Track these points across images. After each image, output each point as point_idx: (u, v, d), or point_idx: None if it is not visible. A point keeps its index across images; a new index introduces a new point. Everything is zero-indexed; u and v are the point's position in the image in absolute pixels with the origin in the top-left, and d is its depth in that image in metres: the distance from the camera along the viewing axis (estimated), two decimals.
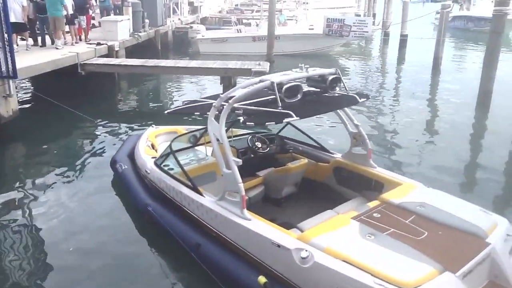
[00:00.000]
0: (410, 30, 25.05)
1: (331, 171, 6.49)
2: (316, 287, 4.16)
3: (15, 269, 5.61)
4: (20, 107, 11.34)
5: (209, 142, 6.38)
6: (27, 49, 13.62)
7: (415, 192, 5.28)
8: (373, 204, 5.08)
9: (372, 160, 6.13)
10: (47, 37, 15.26)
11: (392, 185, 5.62)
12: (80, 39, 16.68)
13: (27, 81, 15.64)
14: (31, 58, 12.46)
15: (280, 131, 7.29)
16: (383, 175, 5.93)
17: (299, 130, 7.08)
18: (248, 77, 12.71)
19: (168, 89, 17.04)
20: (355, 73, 20.10)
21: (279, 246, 4.42)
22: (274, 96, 4.86)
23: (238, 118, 4.92)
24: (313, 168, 6.67)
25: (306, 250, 4.21)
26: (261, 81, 4.88)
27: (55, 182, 8.06)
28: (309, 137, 7.17)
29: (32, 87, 15.18)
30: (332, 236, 4.36)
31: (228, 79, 13.35)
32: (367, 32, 22.77)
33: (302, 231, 5.04)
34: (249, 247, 4.84)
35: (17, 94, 11.13)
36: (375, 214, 4.79)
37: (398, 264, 3.92)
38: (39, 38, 15.15)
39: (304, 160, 6.48)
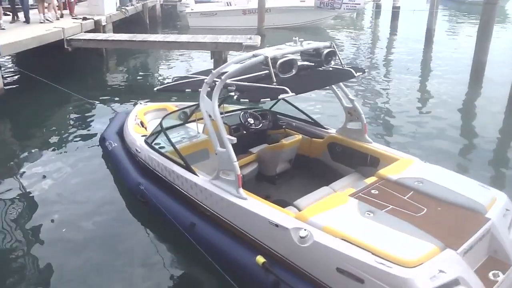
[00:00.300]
0: (402, 2, 24.73)
1: (326, 147, 6.37)
2: (316, 266, 4.08)
3: (5, 249, 5.53)
4: (6, 86, 11.07)
5: (200, 118, 6.25)
6: (2, 28, 13.00)
7: (412, 168, 5.18)
8: (370, 180, 4.98)
9: (367, 135, 6.01)
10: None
11: (388, 161, 5.53)
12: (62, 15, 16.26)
13: (12, 58, 15.26)
14: (15, 34, 12.13)
15: (272, 106, 7.12)
16: (379, 150, 5.82)
17: (292, 105, 6.92)
18: (239, 52, 12.53)
19: (158, 65, 16.74)
20: (347, 46, 19.86)
21: (277, 225, 4.32)
22: (267, 71, 4.69)
23: (230, 94, 4.77)
24: (307, 144, 6.56)
25: (305, 229, 4.11)
26: (254, 55, 4.69)
27: (44, 161, 7.90)
28: (303, 112, 7.02)
29: (17, 65, 14.80)
30: (330, 215, 4.26)
31: (218, 54, 13.13)
32: (359, 4, 22.51)
33: (298, 209, 4.96)
34: (246, 226, 4.73)
35: (1, 73, 10.82)
36: (372, 191, 4.69)
37: (399, 242, 3.84)
38: (21, 14, 14.66)
39: (298, 136, 6.35)
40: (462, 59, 15.43)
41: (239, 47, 12.69)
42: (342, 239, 3.93)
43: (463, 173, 5.38)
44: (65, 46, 13.51)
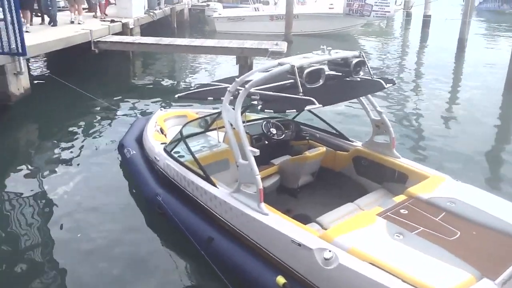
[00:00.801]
0: (435, 10, 24.21)
1: (351, 160, 6.11)
2: None
3: (21, 252, 5.47)
4: (34, 83, 11.10)
5: (222, 127, 6.07)
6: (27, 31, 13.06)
7: (443, 186, 4.89)
8: (399, 199, 4.71)
9: (395, 150, 5.72)
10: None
11: (417, 177, 5.24)
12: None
13: (42, 59, 15.42)
14: (43, 35, 12.22)
15: (295, 116, 6.90)
16: (408, 166, 5.54)
17: (316, 115, 6.67)
18: (265, 57, 12.35)
19: (183, 69, 16.69)
20: (375, 55, 19.48)
21: (300, 245, 4.08)
22: (293, 81, 4.49)
23: (253, 102, 4.59)
24: (331, 157, 6.30)
25: (330, 251, 3.88)
26: (280, 64, 4.48)
27: (63, 164, 7.82)
28: (327, 123, 6.77)
29: (46, 65, 14.94)
30: (357, 235, 4.01)
31: (244, 59, 13.00)
32: (389, 12, 22.07)
33: (321, 225, 4.79)
34: (266, 244, 4.50)
35: (30, 72, 10.90)
36: (402, 211, 4.43)
37: (431, 269, 3.57)
38: (46, 16, 14.78)
39: (322, 148, 6.11)
40: (495, 71, 14.88)
41: (265, 52, 12.56)
42: (370, 263, 3.68)
43: (498, 194, 5.01)
44: (92, 48, 13.59)
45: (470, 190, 4.91)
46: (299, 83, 4.31)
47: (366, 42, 22.72)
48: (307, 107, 4.21)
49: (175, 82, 14.58)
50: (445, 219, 4.28)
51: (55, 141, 8.93)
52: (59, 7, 16.08)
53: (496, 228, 4.12)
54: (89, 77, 12.60)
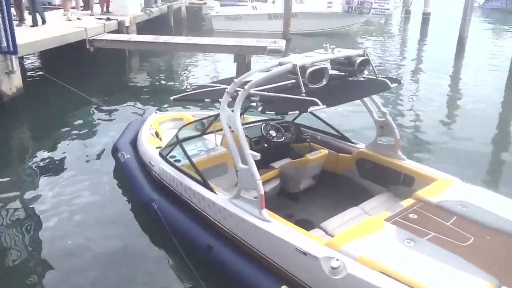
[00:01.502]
0: (436, 8, 23.98)
1: (354, 163, 5.91)
2: None
3: (10, 257, 5.25)
4: (27, 82, 10.86)
5: (219, 130, 5.86)
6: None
7: (453, 189, 4.70)
8: (407, 203, 4.51)
9: (400, 152, 5.52)
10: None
11: (424, 180, 5.06)
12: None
13: (36, 57, 15.17)
14: (36, 33, 12.00)
15: (295, 118, 6.68)
16: (414, 168, 5.34)
17: (317, 117, 6.41)
18: (263, 56, 12.13)
19: (180, 68, 16.41)
20: (375, 53, 19.22)
21: (305, 253, 3.88)
22: (294, 81, 4.29)
23: (251, 104, 4.38)
24: (333, 160, 6.10)
25: (337, 259, 3.67)
26: (280, 63, 4.25)
27: (55, 166, 7.59)
28: (328, 125, 6.54)
29: (40, 64, 14.69)
30: (365, 243, 3.81)
31: (242, 57, 12.79)
32: (388, 9, 21.86)
33: (325, 231, 4.61)
34: (269, 252, 4.29)
35: (25, 70, 10.66)
36: (411, 215, 4.24)
37: (447, 278, 3.37)
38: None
39: (324, 151, 5.90)
40: (497, 69, 14.68)
41: (263, 51, 12.36)
42: (381, 272, 3.48)
43: (508, 196, 4.79)
44: (87, 47, 13.38)
45: (481, 192, 4.74)
46: (302, 83, 4.09)
47: (365, 41, 22.50)
48: (311, 108, 3.99)
49: (172, 82, 14.31)
50: (457, 223, 4.10)
51: (48, 142, 8.70)
52: (55, 5, 15.82)
53: (510, 233, 3.94)
54: (84, 76, 12.36)
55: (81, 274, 5.00)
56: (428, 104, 11.73)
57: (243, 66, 12.52)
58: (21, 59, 10.94)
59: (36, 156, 8.08)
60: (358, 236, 3.91)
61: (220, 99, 4.60)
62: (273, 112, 4.20)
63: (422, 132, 9.67)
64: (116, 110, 10.58)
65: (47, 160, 7.88)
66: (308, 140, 6.39)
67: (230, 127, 4.52)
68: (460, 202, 4.38)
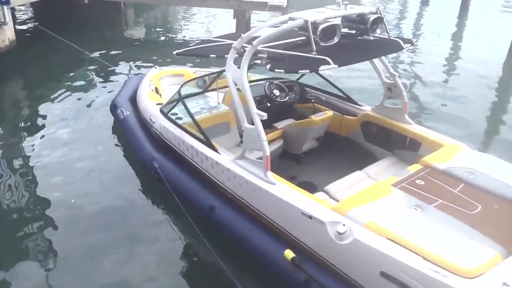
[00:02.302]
0: None
1: (359, 125, 5.80)
2: (355, 267, 3.59)
3: (12, 218, 5.20)
4: (20, 35, 10.49)
5: (222, 87, 5.68)
6: None
7: (460, 156, 4.61)
8: (414, 168, 4.43)
9: (407, 116, 5.40)
10: None
11: (431, 145, 4.97)
12: None
13: (29, 10, 14.66)
14: None
15: (300, 77, 6.50)
16: (421, 133, 5.23)
17: (322, 76, 6.23)
18: (264, 12, 11.80)
19: (178, 22, 15.88)
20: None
21: (311, 217, 3.79)
22: (304, 38, 4.11)
23: (256, 61, 4.21)
24: (337, 121, 5.98)
25: (344, 224, 3.60)
26: (291, 19, 4.05)
27: (52, 124, 7.43)
28: (334, 85, 6.39)
29: (33, 16, 14.20)
30: (373, 208, 3.73)
31: (242, 13, 12.42)
32: None
33: (329, 195, 4.54)
34: (273, 215, 4.21)
35: (13, 25, 10.28)
36: (418, 181, 4.16)
37: (454, 246, 3.33)
38: None
39: (330, 112, 5.77)
40: (499, 30, 14.40)
41: (264, 6, 11.94)
42: (388, 239, 3.42)
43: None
44: None
45: (488, 159, 4.66)
46: (313, 40, 3.91)
47: (365, 1, 21.98)
48: (322, 67, 3.82)
49: (169, 36, 13.89)
50: (464, 191, 4.04)
51: (43, 98, 8.47)
52: None
53: None
54: (78, 29, 11.99)
55: (81, 233, 4.96)
56: (430, 67, 11.56)
57: (242, 22, 12.18)
58: (13, 10, 10.53)
59: (31, 112, 7.91)
60: (365, 201, 3.85)
61: (226, 55, 4.41)
62: (283, 70, 4.02)
63: (427, 97, 9.51)
64: (112, 64, 10.28)
65: (42, 116, 7.71)
66: (312, 100, 6.23)
67: (236, 85, 4.35)
68: (468, 169, 4.30)
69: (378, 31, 4.61)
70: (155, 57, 10.81)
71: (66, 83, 9.17)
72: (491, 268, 3.15)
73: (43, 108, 8.02)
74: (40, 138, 6.97)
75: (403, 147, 5.32)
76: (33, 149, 6.65)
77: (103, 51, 10.97)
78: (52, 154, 6.49)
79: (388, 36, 4.68)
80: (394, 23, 17.55)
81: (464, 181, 4.16)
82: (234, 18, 12.60)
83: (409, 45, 4.70)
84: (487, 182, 4.13)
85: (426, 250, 3.27)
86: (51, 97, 8.48)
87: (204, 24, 15.42)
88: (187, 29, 14.78)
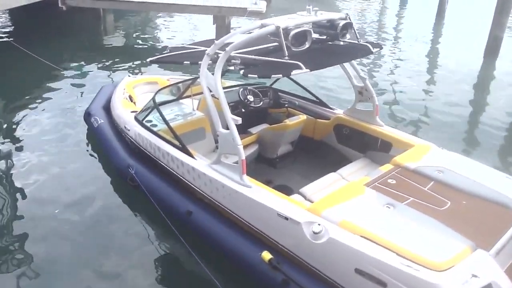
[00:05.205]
0: None
1: (332, 128, 5.93)
2: (331, 265, 3.68)
3: None
4: None
5: (196, 94, 5.74)
6: None
7: (430, 155, 4.79)
8: (385, 168, 4.58)
9: (378, 118, 5.55)
10: None
11: (401, 146, 5.13)
12: None
13: (4, 16, 14.40)
14: None
15: (273, 83, 6.59)
16: (392, 134, 5.40)
17: (295, 82, 6.38)
18: (244, 17, 11.86)
19: (158, 29, 15.76)
20: (353, 19, 18.97)
21: (287, 218, 3.87)
22: (277, 44, 4.23)
23: (229, 68, 4.30)
24: (311, 125, 6.10)
25: (319, 224, 3.69)
26: (263, 25, 4.15)
27: (26, 136, 7.27)
28: (307, 90, 6.52)
29: (9, 24, 13.94)
30: (347, 207, 3.85)
31: (221, 19, 12.49)
32: None
33: (305, 197, 4.63)
34: (250, 218, 4.28)
35: None
36: (389, 180, 4.31)
37: (426, 241, 3.46)
38: None
39: (303, 116, 5.89)
40: (476, 33, 14.75)
41: (243, 12, 12.02)
42: (362, 236, 3.53)
43: (480, 161, 4.93)
44: (60, 5, 12.63)
45: (456, 158, 4.84)
46: (285, 46, 4.02)
47: (343, 3, 22.22)
48: (294, 72, 3.94)
49: (148, 43, 13.74)
50: (434, 188, 4.20)
51: (15, 111, 8.26)
52: None
53: (485, 197, 4.07)
54: (55, 37, 11.83)
55: (57, 243, 4.90)
56: (406, 70, 11.79)
57: (222, 28, 12.26)
58: None
59: (4, 125, 7.71)
60: (339, 201, 3.95)
61: (199, 62, 4.47)
62: (256, 76, 4.10)
63: (400, 98, 9.74)
64: (88, 74, 10.17)
65: (15, 128, 7.55)
66: (286, 105, 6.35)
67: (210, 91, 4.42)
68: (437, 168, 4.47)
69: (347, 36, 4.75)
70: (134, 65, 10.74)
71: (39, 94, 9.01)
72: (460, 261, 3.28)
73: (15, 120, 7.88)
74: (12, 147, 6.88)
75: (375, 148, 5.46)
76: (5, 158, 6.55)
77: (79, 60, 10.81)
78: (24, 163, 6.40)
79: (358, 41, 4.83)
80: (371, 27, 17.91)
81: (434, 179, 4.32)
82: (213, 24, 12.65)
83: (378, 49, 4.88)
84: (455, 179, 4.30)
85: (398, 246, 3.39)
86: (24, 108, 8.32)
87: (184, 31, 15.39)
88: (166, 36, 14.69)
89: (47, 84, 9.55)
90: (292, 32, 4.11)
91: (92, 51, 12.23)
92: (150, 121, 5.63)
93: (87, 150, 6.82)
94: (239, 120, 4.21)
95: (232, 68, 4.30)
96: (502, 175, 4.52)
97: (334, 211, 3.80)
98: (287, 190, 4.81)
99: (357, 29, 4.92)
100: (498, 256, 3.44)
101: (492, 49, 12.23)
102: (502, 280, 3.29)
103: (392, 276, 3.27)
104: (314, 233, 3.67)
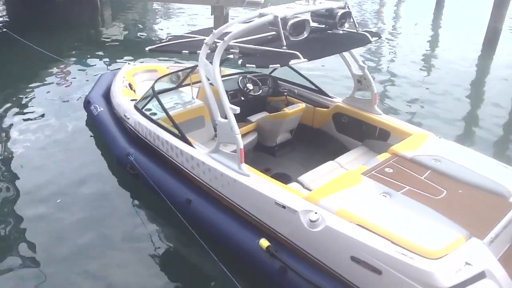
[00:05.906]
0: None
1: (331, 117, 5.94)
2: (327, 253, 3.72)
3: None
4: None
5: (195, 82, 5.75)
6: None
7: (427, 144, 4.81)
8: (383, 157, 4.60)
9: (377, 106, 5.57)
10: None
11: (399, 135, 5.15)
12: None
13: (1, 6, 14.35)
14: None
15: (272, 71, 6.59)
16: (390, 123, 5.41)
17: (294, 70, 6.36)
18: (242, 8, 11.81)
19: (156, 19, 15.73)
20: (351, 6, 18.80)
21: (284, 207, 3.91)
22: (275, 33, 4.22)
23: (228, 56, 4.31)
24: (310, 114, 6.11)
25: (316, 212, 3.73)
26: (261, 14, 4.15)
27: (22, 126, 7.29)
28: (306, 78, 6.49)
29: (4, 14, 13.87)
30: (343, 196, 3.88)
31: (219, 9, 12.37)
32: None
33: (303, 185, 4.67)
34: (248, 206, 4.32)
35: None
36: (386, 169, 4.33)
37: (420, 230, 3.50)
38: None
39: (302, 105, 5.90)
40: (475, 24, 14.67)
41: (241, 2, 11.98)
42: (358, 225, 3.57)
43: (480, 151, 4.96)
44: None
45: (453, 147, 4.86)
46: (283, 35, 4.02)
47: None
48: (292, 62, 3.95)
49: (146, 34, 13.77)
50: (431, 177, 4.23)
51: (14, 100, 8.31)
52: None
53: (481, 186, 4.09)
54: (53, 28, 11.76)
55: (59, 231, 4.95)
56: (404, 60, 11.74)
57: (220, 19, 12.16)
58: None
59: (3, 115, 7.74)
60: (336, 189, 3.98)
61: (198, 51, 4.48)
62: (254, 65, 4.12)
63: (398, 87, 9.74)
64: (87, 63, 10.16)
65: (15, 117, 7.59)
66: (285, 93, 6.35)
67: (208, 80, 4.44)
68: (434, 157, 4.49)
69: (346, 25, 4.76)
70: (131, 54, 10.70)
71: (38, 83, 9.03)
72: (454, 249, 3.32)
73: (14, 109, 7.90)
74: (13, 135, 6.92)
75: (373, 137, 5.48)
76: (7, 146, 6.60)
77: (77, 50, 10.83)
78: (23, 152, 6.45)
79: (356, 30, 4.83)
80: (370, 16, 17.75)
81: (431, 168, 4.34)
82: (211, 15, 12.59)
83: (377, 38, 4.87)
84: (452, 168, 4.32)
85: (393, 234, 3.43)
86: (24, 97, 8.35)
87: (182, 21, 15.30)
88: (164, 26, 14.65)
89: (45, 74, 9.55)
90: (291, 22, 4.12)
91: (90, 41, 12.23)
92: (150, 109, 5.65)
93: (87, 137, 6.85)
94: (238, 109, 4.23)
95: (231, 57, 4.30)
96: (499, 164, 4.54)
97: (330, 199, 3.84)
98: (285, 178, 4.85)
99: (355, 18, 4.92)
100: (492, 245, 3.49)
101: (491, 41, 12.14)
102: (496, 268, 3.34)
103: (387, 264, 3.31)
104: (311, 221, 3.72)
